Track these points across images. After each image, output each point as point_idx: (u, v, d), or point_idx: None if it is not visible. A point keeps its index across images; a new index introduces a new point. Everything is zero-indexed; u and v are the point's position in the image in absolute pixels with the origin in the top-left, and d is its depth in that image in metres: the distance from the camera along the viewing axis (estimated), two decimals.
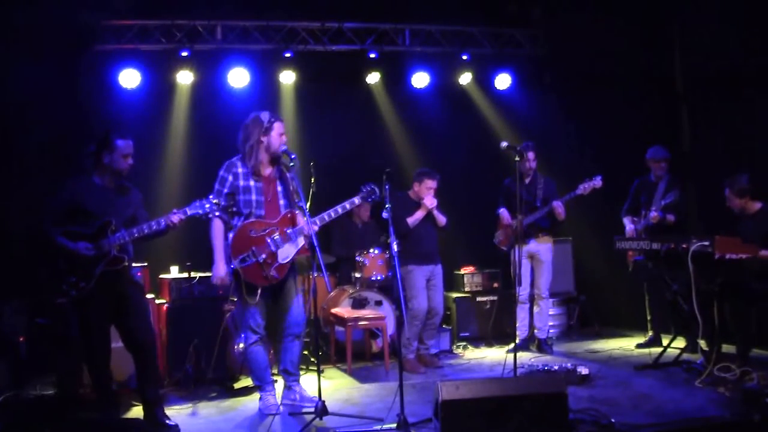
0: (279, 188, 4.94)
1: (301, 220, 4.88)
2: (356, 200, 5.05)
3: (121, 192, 4.61)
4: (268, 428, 4.57)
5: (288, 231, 4.84)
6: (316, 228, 4.79)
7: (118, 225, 4.45)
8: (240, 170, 4.85)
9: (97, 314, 4.45)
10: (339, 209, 4.97)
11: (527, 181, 6.70)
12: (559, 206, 6.46)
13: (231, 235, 4.77)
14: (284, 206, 4.93)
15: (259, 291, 4.77)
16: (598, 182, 6.39)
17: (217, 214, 4.71)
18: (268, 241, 4.78)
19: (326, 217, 4.93)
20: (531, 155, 6.63)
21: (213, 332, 5.87)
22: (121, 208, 4.54)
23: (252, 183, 4.85)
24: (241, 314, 4.93)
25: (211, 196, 4.60)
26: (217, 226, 4.83)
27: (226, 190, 4.83)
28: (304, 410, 4.83)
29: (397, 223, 5.99)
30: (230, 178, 4.84)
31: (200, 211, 4.52)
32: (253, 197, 4.83)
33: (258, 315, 4.88)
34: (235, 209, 4.86)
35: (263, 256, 4.75)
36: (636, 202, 6.75)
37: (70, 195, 4.46)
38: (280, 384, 5.18)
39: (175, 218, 4.47)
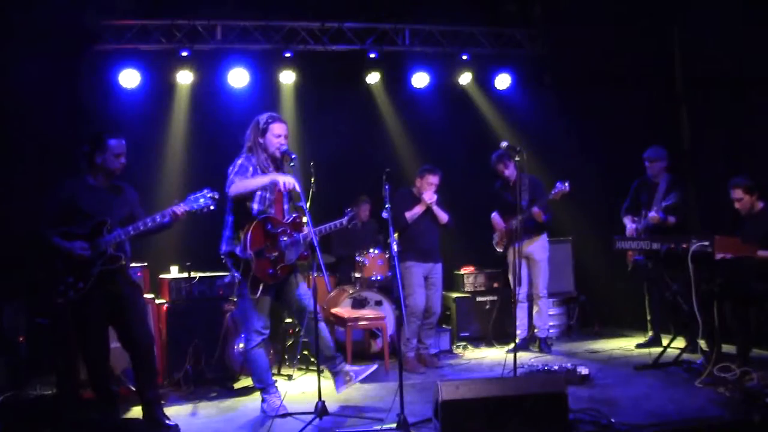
0: (283, 192, 4.96)
1: (305, 228, 4.92)
2: (344, 221, 5.10)
3: (115, 191, 4.60)
4: (269, 428, 4.57)
5: (295, 235, 4.89)
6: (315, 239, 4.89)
7: (114, 224, 4.44)
8: (253, 165, 4.87)
9: (95, 314, 4.45)
10: (331, 226, 5.05)
11: (511, 183, 6.71)
12: (534, 210, 6.50)
13: (250, 227, 4.75)
14: (287, 210, 4.99)
15: (261, 287, 4.79)
16: (566, 187, 6.38)
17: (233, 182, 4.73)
18: (280, 240, 4.83)
19: (323, 231, 5.01)
20: (511, 161, 6.64)
21: (213, 332, 5.87)
22: (116, 208, 4.53)
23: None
24: (246, 315, 4.91)
25: (205, 190, 4.54)
26: (236, 180, 4.77)
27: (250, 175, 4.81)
28: (302, 410, 4.83)
29: (396, 217, 6.00)
30: (251, 168, 4.83)
31: (195, 206, 4.49)
32: (267, 194, 4.86)
33: (264, 316, 4.89)
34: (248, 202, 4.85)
35: (275, 254, 4.80)
36: (636, 202, 6.74)
37: (65, 196, 4.45)
38: (280, 386, 5.19)
39: (177, 211, 4.44)
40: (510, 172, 6.73)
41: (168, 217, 4.44)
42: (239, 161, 4.85)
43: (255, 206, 4.80)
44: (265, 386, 4.97)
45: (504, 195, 6.83)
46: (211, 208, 4.54)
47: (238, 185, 4.74)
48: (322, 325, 5.02)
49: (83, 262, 4.34)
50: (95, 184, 4.53)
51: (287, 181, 4.70)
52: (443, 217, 6.30)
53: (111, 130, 4.57)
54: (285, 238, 4.84)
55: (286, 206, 5.00)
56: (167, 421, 4.54)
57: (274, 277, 4.82)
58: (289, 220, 4.93)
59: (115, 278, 4.47)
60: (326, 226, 5.06)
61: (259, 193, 4.82)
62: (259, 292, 4.79)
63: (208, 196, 4.52)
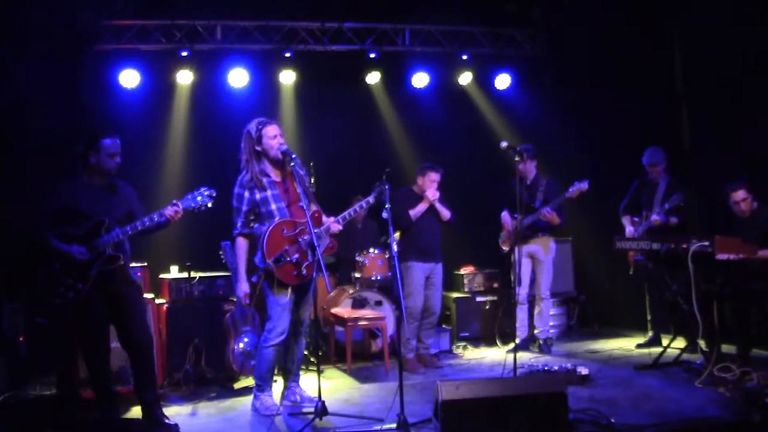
0: (299, 189, 4.85)
1: (326, 219, 4.94)
2: (371, 199, 5.06)
3: (112, 191, 4.56)
4: (269, 428, 4.57)
5: (315, 230, 4.84)
6: (339, 227, 4.96)
7: (112, 224, 4.42)
8: (250, 183, 4.86)
9: (95, 315, 4.45)
10: (357, 208, 5.07)
11: (528, 182, 6.71)
12: (547, 212, 6.47)
13: (265, 235, 4.75)
14: (306, 206, 4.89)
15: (290, 289, 4.81)
16: (584, 186, 6.35)
17: (236, 231, 4.84)
18: (300, 240, 4.81)
19: (347, 216, 5.02)
20: (530, 161, 6.64)
21: (213, 332, 5.87)
22: (114, 207, 4.51)
23: (269, 193, 4.85)
24: (270, 314, 4.89)
25: (203, 188, 4.55)
26: (240, 245, 4.91)
27: (245, 208, 4.85)
28: (305, 410, 4.84)
29: (398, 216, 6.00)
30: (247, 194, 4.84)
31: (192, 205, 4.50)
32: (273, 206, 4.84)
33: (287, 316, 4.88)
34: (258, 224, 4.89)
35: (296, 255, 4.78)
36: (636, 201, 6.73)
37: (63, 197, 4.42)
38: (279, 385, 5.19)
39: (171, 211, 4.44)
40: (528, 170, 6.70)
41: (164, 216, 4.44)
42: (235, 191, 4.89)
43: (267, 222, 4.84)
44: (263, 385, 4.97)
45: (518, 193, 6.77)
46: (209, 205, 4.54)
47: (236, 249, 4.94)
48: (302, 341, 5.10)
49: (82, 263, 4.33)
50: (92, 184, 4.50)
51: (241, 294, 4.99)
52: (446, 214, 6.30)
53: (105, 130, 4.53)
54: (306, 237, 4.81)
55: (303, 203, 4.81)
56: (167, 421, 4.54)
57: (300, 277, 4.82)
58: (307, 218, 4.82)
59: (114, 278, 4.46)
60: (352, 210, 5.05)
61: (271, 207, 4.83)
62: (289, 294, 4.82)
63: (206, 194, 4.52)
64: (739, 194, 5.66)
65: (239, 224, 4.90)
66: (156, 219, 4.45)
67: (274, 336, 4.87)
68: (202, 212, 4.55)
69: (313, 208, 4.99)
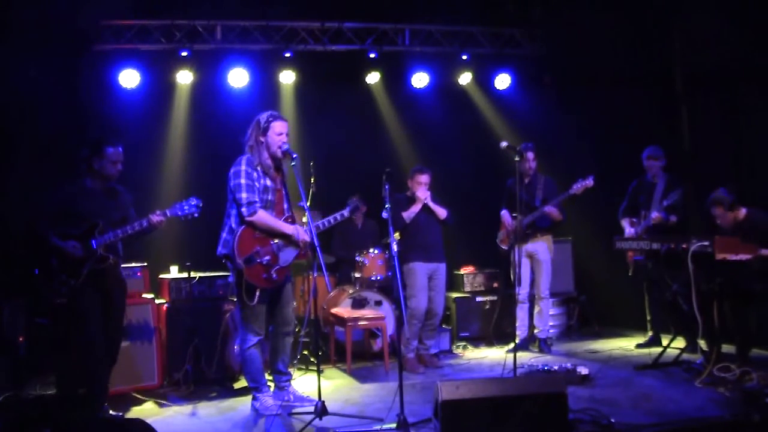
0: (283, 191, 4.96)
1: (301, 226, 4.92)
2: (345, 213, 5.19)
3: (110, 195, 4.79)
4: (269, 428, 4.57)
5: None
6: (312, 235, 4.85)
7: (106, 226, 4.65)
8: (257, 167, 4.83)
9: (90, 306, 4.61)
10: (331, 219, 5.12)
11: (527, 181, 6.72)
12: (552, 210, 6.49)
13: (236, 234, 4.74)
14: (287, 210, 4.97)
15: (258, 293, 4.78)
16: (590, 182, 6.39)
17: (257, 204, 4.72)
18: (272, 243, 4.80)
19: (321, 226, 5.02)
20: (530, 155, 6.66)
21: (213, 332, 5.87)
22: (110, 211, 4.74)
23: (268, 183, 4.85)
24: (242, 317, 4.90)
25: (192, 199, 4.76)
26: (263, 214, 4.74)
27: (258, 185, 4.76)
28: (302, 409, 4.84)
29: (395, 221, 6.00)
30: (255, 174, 4.79)
31: (179, 213, 4.74)
32: (269, 197, 4.85)
33: (262, 317, 4.89)
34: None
35: (267, 258, 4.78)
36: (634, 203, 6.74)
37: (64, 198, 4.67)
38: (271, 386, 5.19)
39: (155, 219, 4.68)
40: (530, 165, 6.71)
41: (150, 223, 4.68)
42: (242, 167, 4.75)
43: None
44: (258, 386, 4.98)
45: (517, 192, 6.79)
46: (195, 215, 4.79)
47: (264, 222, 4.72)
48: (288, 342, 5.09)
49: (75, 260, 4.54)
50: (93, 188, 4.74)
51: (304, 238, 4.78)
52: (441, 213, 6.30)
53: (110, 137, 4.76)
54: (277, 240, 4.82)
55: (285, 205, 4.98)
56: (112, 413, 4.73)
57: (269, 281, 4.80)
58: (281, 221, 4.88)
59: (105, 276, 4.68)
60: (326, 220, 5.09)
61: (269, 197, 4.82)
62: (256, 299, 4.78)
63: (193, 204, 4.78)
64: (716, 210, 5.62)
65: (256, 199, 4.72)
66: (145, 225, 4.68)
67: (250, 337, 4.87)
68: (188, 220, 4.78)
69: (287, 213, 4.97)
